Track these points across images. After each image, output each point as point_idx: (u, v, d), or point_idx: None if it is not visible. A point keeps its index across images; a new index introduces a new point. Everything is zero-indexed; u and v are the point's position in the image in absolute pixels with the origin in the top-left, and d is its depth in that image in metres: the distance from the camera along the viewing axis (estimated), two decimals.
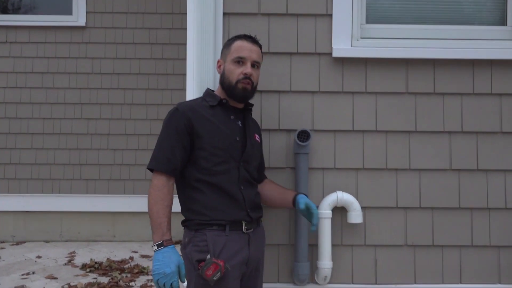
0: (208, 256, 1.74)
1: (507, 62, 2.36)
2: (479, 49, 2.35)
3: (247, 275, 1.88)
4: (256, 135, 2.02)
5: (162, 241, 1.72)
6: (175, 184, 1.86)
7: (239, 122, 1.94)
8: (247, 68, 1.89)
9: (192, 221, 1.82)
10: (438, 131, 2.34)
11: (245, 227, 1.85)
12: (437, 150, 2.34)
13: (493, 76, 2.36)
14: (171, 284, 1.68)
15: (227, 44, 1.96)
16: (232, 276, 1.77)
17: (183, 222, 1.88)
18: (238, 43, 1.92)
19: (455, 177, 2.34)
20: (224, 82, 1.92)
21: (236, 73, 1.88)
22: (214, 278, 1.69)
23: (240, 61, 1.89)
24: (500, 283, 2.33)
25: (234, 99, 1.93)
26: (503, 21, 2.46)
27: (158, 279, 1.69)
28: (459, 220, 2.33)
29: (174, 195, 1.83)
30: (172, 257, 1.70)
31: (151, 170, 1.81)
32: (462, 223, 2.33)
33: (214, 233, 1.79)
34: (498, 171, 2.35)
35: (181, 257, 1.77)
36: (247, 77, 1.88)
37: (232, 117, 1.93)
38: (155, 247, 1.72)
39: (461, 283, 2.32)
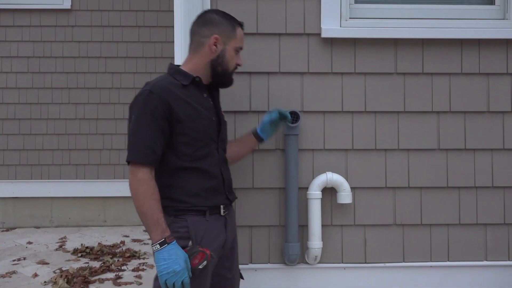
0: (190, 243, 1.67)
1: (495, 41, 2.36)
2: (467, 28, 2.35)
3: (224, 256, 1.85)
4: (221, 109, 1.95)
5: (165, 238, 1.59)
6: None
7: (210, 100, 1.85)
8: (241, 60, 1.89)
9: (171, 207, 1.72)
10: (426, 111, 2.35)
11: (223, 210, 1.80)
12: (425, 130, 2.35)
13: (481, 55, 2.36)
14: (182, 281, 1.58)
15: (229, 25, 1.83)
16: (212, 262, 1.73)
17: None
18: (241, 32, 1.87)
19: (443, 157, 2.36)
20: (219, 64, 1.81)
21: (234, 61, 1.85)
22: (200, 267, 1.63)
23: (239, 51, 1.87)
24: (486, 260, 2.37)
25: (219, 84, 1.88)
26: (491, 0, 2.46)
27: (166, 280, 1.57)
28: (447, 199, 2.36)
29: None
30: (179, 253, 1.60)
31: (128, 162, 1.66)
32: (450, 202, 2.36)
33: (194, 218, 1.71)
34: (485, 150, 2.37)
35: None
36: (237, 68, 1.89)
37: (205, 95, 1.83)
38: (157, 246, 1.59)
39: (448, 260, 2.35)
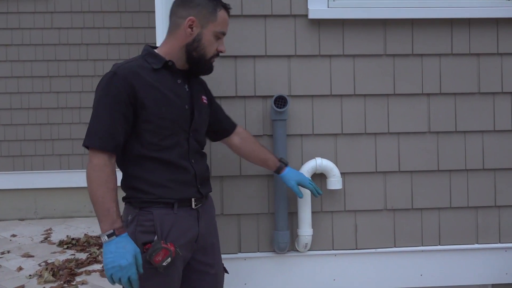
0: (156, 238, 1.57)
1: (485, 20, 2.31)
2: (457, 8, 2.29)
3: (202, 252, 1.74)
4: (203, 97, 1.78)
5: (114, 230, 1.49)
6: None
7: (186, 86, 1.70)
8: (223, 46, 1.72)
9: (136, 198, 1.62)
10: (416, 93, 2.31)
11: (194, 203, 1.67)
12: (415, 113, 2.31)
13: (471, 35, 2.32)
14: (129, 277, 1.47)
15: (209, 6, 1.66)
16: (179, 257, 1.62)
17: (124, 198, 1.66)
18: (224, 15, 1.69)
19: (434, 140, 2.32)
20: (195, 49, 1.66)
21: (213, 47, 1.69)
22: (164, 264, 1.53)
23: (220, 36, 1.70)
24: (477, 243, 2.35)
25: (196, 71, 1.73)
26: None
27: (112, 274, 1.47)
28: (437, 183, 2.33)
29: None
30: (127, 247, 1.48)
31: (88, 147, 1.55)
32: (441, 186, 2.33)
33: (161, 211, 1.60)
34: (476, 132, 2.34)
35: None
36: (218, 55, 1.74)
37: (179, 81, 1.68)
38: (105, 237, 1.48)
39: (440, 244, 2.33)
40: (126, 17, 4.99)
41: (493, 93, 2.34)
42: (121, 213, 1.61)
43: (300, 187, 2.01)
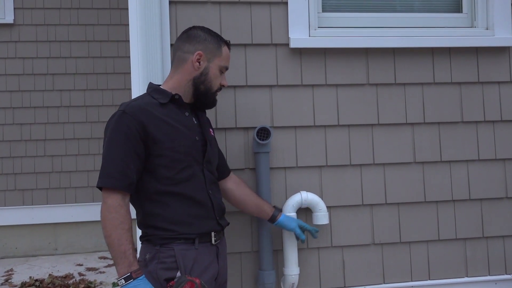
0: (179, 274, 1.55)
1: (465, 49, 2.31)
2: (438, 37, 2.28)
3: None
4: (211, 130, 1.83)
5: (130, 273, 1.47)
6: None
7: (194, 119, 1.73)
8: (226, 81, 1.80)
9: (156, 235, 1.60)
10: (400, 123, 2.26)
11: (214, 238, 1.67)
12: (400, 143, 2.26)
13: (453, 64, 2.31)
14: None
15: (214, 42, 1.73)
16: None
17: (141, 237, 1.65)
18: (227, 51, 1.77)
19: (419, 170, 2.27)
20: (202, 82, 1.71)
21: (218, 81, 1.76)
22: None
23: (223, 71, 1.77)
24: (467, 276, 2.28)
25: (202, 105, 1.77)
26: (458, 8, 2.41)
27: None
28: (425, 214, 2.26)
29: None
30: None
31: (101, 188, 1.54)
32: (428, 217, 2.27)
33: (182, 247, 1.59)
34: (461, 162, 2.31)
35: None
36: (221, 89, 1.80)
37: (186, 113, 1.71)
38: (123, 281, 1.47)
39: (429, 279, 2.25)
40: (94, 46, 4.87)
41: (476, 122, 2.32)
42: (138, 252, 1.57)
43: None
